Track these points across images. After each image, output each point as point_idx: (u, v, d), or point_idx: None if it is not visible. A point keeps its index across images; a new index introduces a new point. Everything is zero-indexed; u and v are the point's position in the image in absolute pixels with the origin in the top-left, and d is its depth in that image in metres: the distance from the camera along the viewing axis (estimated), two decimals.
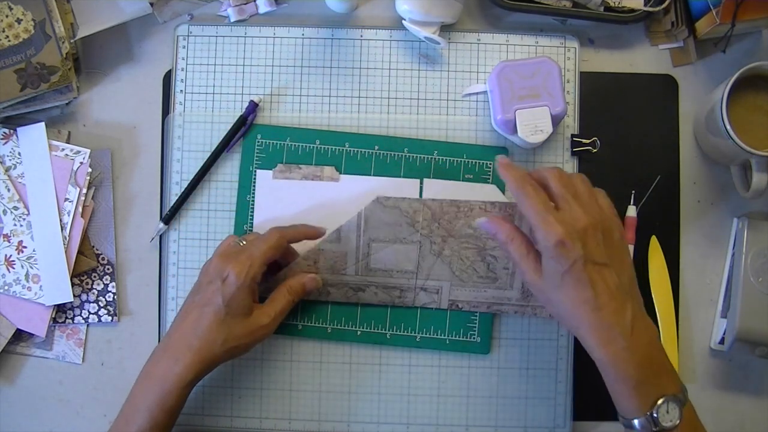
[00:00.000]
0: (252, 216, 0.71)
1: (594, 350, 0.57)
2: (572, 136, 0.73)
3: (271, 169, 0.71)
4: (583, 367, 0.71)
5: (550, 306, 0.59)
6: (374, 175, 0.71)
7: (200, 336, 0.61)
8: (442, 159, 0.72)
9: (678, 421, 0.55)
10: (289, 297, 0.65)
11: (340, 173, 0.71)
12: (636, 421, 0.55)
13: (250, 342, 0.63)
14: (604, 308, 0.56)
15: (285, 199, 0.71)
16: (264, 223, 0.71)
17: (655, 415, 0.55)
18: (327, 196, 0.71)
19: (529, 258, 0.59)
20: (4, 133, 0.72)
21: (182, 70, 0.73)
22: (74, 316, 0.72)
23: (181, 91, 0.73)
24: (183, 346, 0.61)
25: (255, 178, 0.71)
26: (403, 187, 0.71)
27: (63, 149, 0.72)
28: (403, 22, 0.71)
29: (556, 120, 0.67)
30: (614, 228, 0.59)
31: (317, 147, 0.72)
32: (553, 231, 0.55)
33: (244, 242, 0.65)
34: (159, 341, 0.72)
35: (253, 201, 0.72)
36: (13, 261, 0.71)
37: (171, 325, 0.63)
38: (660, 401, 0.55)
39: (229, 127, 0.72)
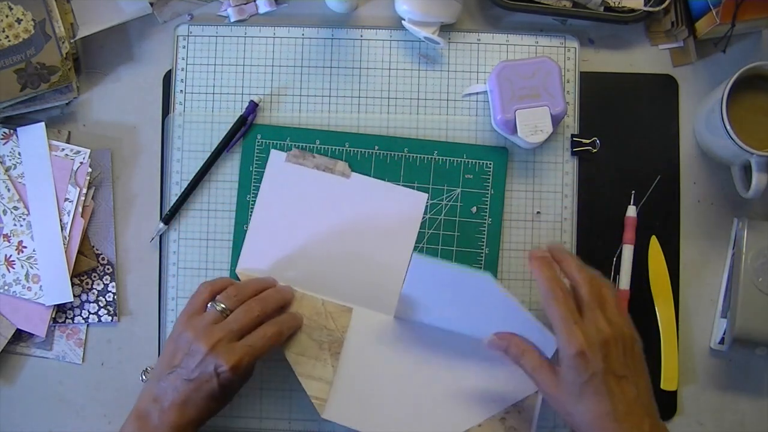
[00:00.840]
0: (251, 211, 0.71)
1: None
2: (572, 136, 0.73)
3: (285, 151, 0.71)
4: None
5: (568, 417, 0.58)
6: (376, 176, 0.71)
7: (185, 418, 0.59)
8: (442, 159, 0.72)
9: None
10: (276, 330, 0.64)
11: (353, 171, 0.71)
12: None
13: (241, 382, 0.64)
14: (624, 422, 0.55)
15: (293, 184, 0.71)
16: (266, 200, 0.71)
17: None
18: (334, 191, 0.71)
19: (542, 369, 0.59)
20: (4, 133, 0.72)
21: (182, 70, 0.73)
22: (74, 316, 0.72)
23: (181, 91, 0.73)
24: (162, 426, 0.59)
25: (268, 157, 0.71)
26: (409, 198, 0.71)
27: (63, 149, 0.72)
28: (403, 22, 0.71)
29: (556, 120, 0.67)
30: (635, 340, 0.59)
31: (317, 147, 0.72)
32: (576, 341, 0.56)
33: (222, 306, 0.63)
34: (159, 346, 0.72)
35: (254, 201, 0.72)
36: (13, 261, 0.71)
37: (154, 384, 0.61)
38: None
39: (229, 127, 0.72)
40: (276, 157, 0.71)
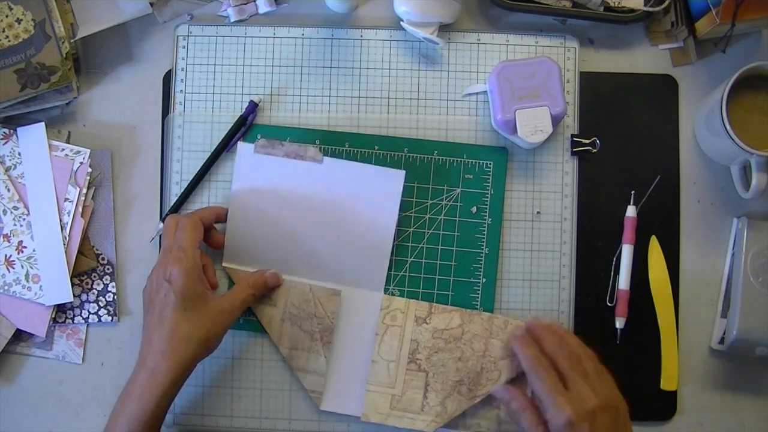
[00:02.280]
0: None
1: None
2: (572, 136, 0.73)
3: (253, 143, 0.70)
4: None
5: None
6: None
7: (168, 338, 0.60)
8: (442, 159, 0.72)
9: None
10: (249, 290, 0.66)
11: (324, 155, 0.70)
12: None
13: (218, 330, 0.63)
14: None
15: (265, 175, 0.70)
16: (240, 194, 0.70)
17: None
18: (308, 177, 0.69)
19: (538, 430, 0.61)
20: (4, 133, 0.72)
21: (182, 70, 0.73)
22: (74, 316, 0.72)
23: (181, 91, 0.73)
24: (155, 355, 0.60)
25: (235, 150, 0.70)
26: (385, 177, 0.69)
27: (63, 149, 0.72)
28: (402, 22, 0.70)
29: (556, 120, 0.67)
30: (620, 405, 0.62)
31: (317, 147, 0.72)
32: (563, 412, 0.59)
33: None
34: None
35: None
36: (13, 261, 0.71)
37: (141, 344, 0.63)
38: None
39: (229, 127, 0.72)
40: (244, 149, 0.70)
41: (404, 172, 0.69)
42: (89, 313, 0.72)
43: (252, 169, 0.70)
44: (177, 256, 0.62)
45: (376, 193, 0.69)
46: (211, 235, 0.69)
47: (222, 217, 0.69)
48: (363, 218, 0.69)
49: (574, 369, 0.62)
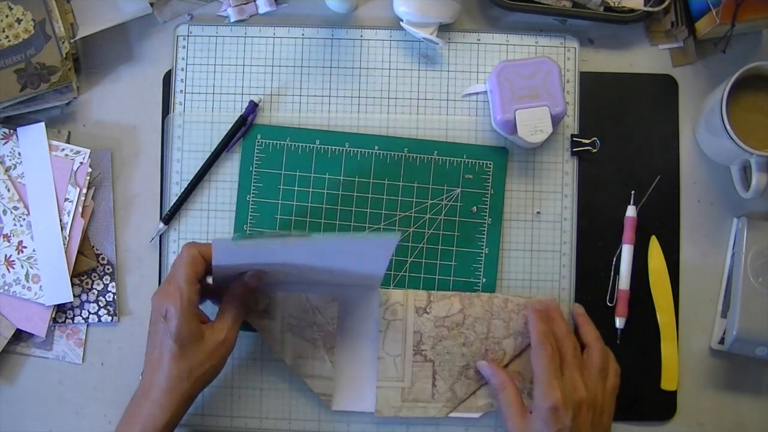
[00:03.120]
0: (251, 211, 0.71)
1: None
2: (572, 136, 0.73)
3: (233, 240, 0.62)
4: None
5: None
6: (375, 179, 0.71)
7: (167, 377, 0.60)
8: (442, 159, 0.72)
9: None
10: (235, 303, 0.64)
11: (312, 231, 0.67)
12: None
13: (216, 363, 0.62)
14: None
15: (247, 255, 0.62)
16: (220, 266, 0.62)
17: None
18: (296, 252, 0.62)
19: (515, 408, 0.63)
20: (4, 133, 0.72)
21: (182, 70, 0.73)
22: (74, 316, 0.72)
23: (181, 91, 0.73)
24: (157, 391, 0.60)
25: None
26: (377, 244, 0.62)
27: (63, 149, 0.72)
28: (401, 23, 0.70)
29: (556, 120, 0.67)
30: (606, 410, 0.64)
31: (317, 147, 0.72)
32: (553, 395, 0.60)
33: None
34: None
35: (254, 201, 0.72)
36: (13, 261, 0.71)
37: (144, 365, 0.62)
38: None
39: (229, 127, 0.72)
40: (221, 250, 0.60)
41: (399, 236, 0.64)
42: (89, 313, 0.72)
43: (229, 257, 0.62)
44: (173, 292, 0.60)
45: (368, 258, 0.64)
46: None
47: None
48: (352, 276, 0.67)
49: (575, 358, 0.63)
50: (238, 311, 0.64)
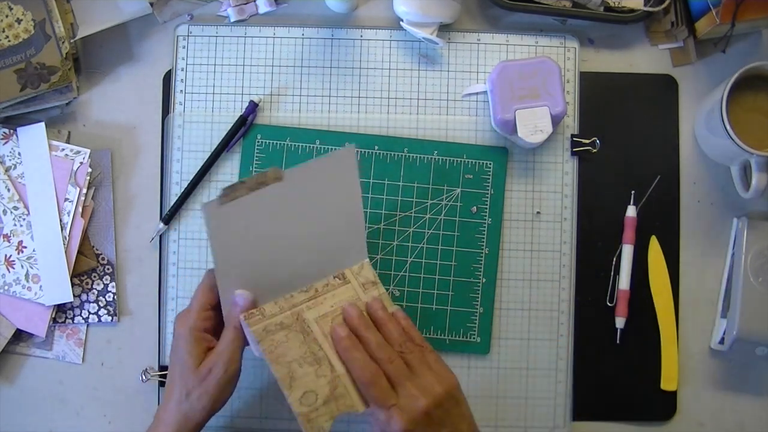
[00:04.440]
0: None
1: None
2: (572, 136, 0.73)
3: (216, 198, 0.57)
4: (583, 367, 0.71)
5: None
6: (375, 179, 0.71)
7: (167, 396, 0.60)
8: (442, 159, 0.72)
9: None
10: (230, 328, 0.60)
11: (283, 169, 0.60)
12: None
13: (210, 390, 0.59)
14: None
15: (242, 225, 0.59)
16: (228, 257, 0.60)
17: None
18: (279, 202, 0.60)
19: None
20: (4, 133, 0.72)
21: (182, 70, 0.73)
22: (74, 316, 0.72)
23: (181, 91, 0.73)
24: (160, 409, 0.61)
25: (204, 217, 0.57)
26: (337, 159, 0.61)
27: (63, 149, 0.72)
28: (401, 23, 0.70)
29: (556, 120, 0.67)
30: (451, 393, 0.58)
31: (317, 147, 0.72)
32: (397, 422, 0.56)
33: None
34: (159, 345, 0.72)
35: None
36: (13, 261, 0.71)
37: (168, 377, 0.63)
38: None
39: (229, 127, 0.72)
40: (212, 210, 0.57)
41: (354, 147, 0.62)
42: (89, 313, 0.72)
43: (228, 232, 0.59)
44: (184, 316, 0.61)
45: (334, 179, 0.62)
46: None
47: None
48: (328, 206, 0.63)
49: (398, 371, 0.58)
50: (232, 334, 0.60)
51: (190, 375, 0.59)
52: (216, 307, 0.62)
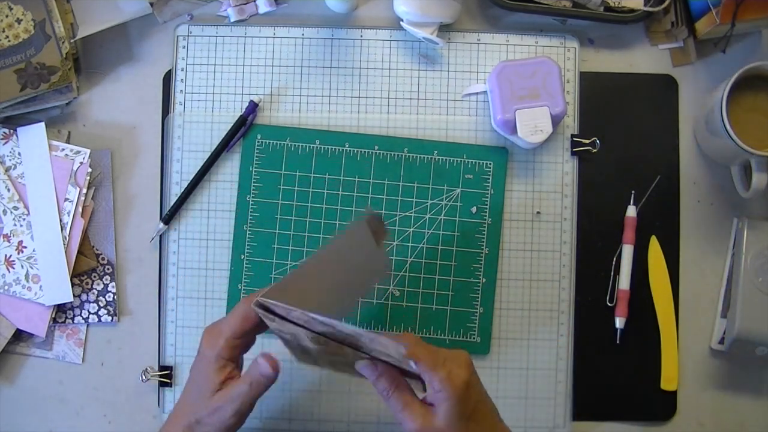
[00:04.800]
0: (251, 211, 0.71)
1: None
2: (572, 136, 0.73)
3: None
4: (583, 367, 0.71)
5: None
6: (375, 179, 0.71)
7: (175, 409, 0.60)
8: (442, 159, 0.72)
9: None
10: (246, 383, 0.58)
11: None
12: None
13: (219, 422, 0.58)
14: None
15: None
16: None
17: None
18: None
19: (414, 407, 0.57)
20: (4, 133, 0.72)
21: (182, 70, 0.73)
22: (74, 316, 0.72)
23: (181, 91, 0.73)
24: (168, 419, 0.61)
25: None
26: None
27: (63, 149, 0.72)
28: (401, 23, 0.70)
29: (556, 120, 0.67)
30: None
31: (317, 147, 0.72)
32: (459, 374, 0.55)
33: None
34: (159, 345, 0.72)
35: (254, 201, 0.72)
36: (13, 261, 0.71)
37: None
38: None
39: (229, 127, 0.72)
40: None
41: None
42: (89, 313, 0.72)
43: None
44: (214, 335, 0.59)
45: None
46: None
47: None
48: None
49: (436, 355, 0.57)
50: (246, 390, 0.58)
51: (204, 402, 0.59)
52: (245, 336, 0.59)
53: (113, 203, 0.73)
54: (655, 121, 0.73)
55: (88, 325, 0.72)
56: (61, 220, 0.71)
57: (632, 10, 0.72)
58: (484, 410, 0.57)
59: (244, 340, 0.60)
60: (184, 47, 0.73)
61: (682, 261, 0.72)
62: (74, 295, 0.71)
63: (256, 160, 0.72)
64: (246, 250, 0.71)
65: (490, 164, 0.72)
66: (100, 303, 0.72)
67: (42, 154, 0.72)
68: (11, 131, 0.72)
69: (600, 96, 0.73)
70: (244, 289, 0.71)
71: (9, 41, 0.68)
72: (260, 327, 0.59)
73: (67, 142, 0.73)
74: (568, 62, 0.73)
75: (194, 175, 0.72)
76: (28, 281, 0.70)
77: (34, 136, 0.72)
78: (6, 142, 0.72)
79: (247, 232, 0.71)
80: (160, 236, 0.72)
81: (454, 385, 0.55)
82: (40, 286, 0.70)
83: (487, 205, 0.72)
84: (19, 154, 0.72)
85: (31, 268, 0.71)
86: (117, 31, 0.73)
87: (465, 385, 0.55)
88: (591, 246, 0.72)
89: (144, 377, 0.71)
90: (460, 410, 0.56)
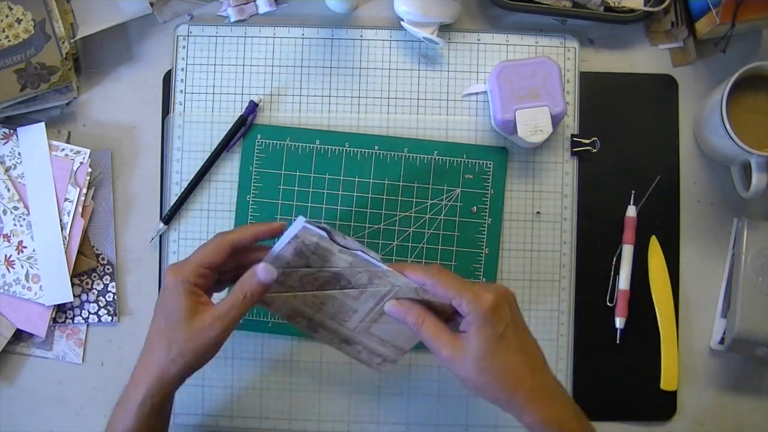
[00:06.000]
0: (251, 210, 0.71)
1: (536, 412, 0.56)
2: (572, 136, 0.73)
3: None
4: (583, 367, 0.71)
5: (476, 380, 0.56)
6: (375, 179, 0.71)
7: (149, 349, 0.58)
8: (442, 159, 0.72)
9: None
10: (239, 294, 0.58)
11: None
12: None
13: (200, 346, 0.57)
14: (538, 371, 0.57)
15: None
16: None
17: None
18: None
19: (444, 335, 0.57)
20: (4, 133, 0.72)
21: (182, 70, 0.73)
22: (74, 316, 0.72)
23: (181, 91, 0.73)
24: (140, 367, 0.59)
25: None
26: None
27: (63, 149, 0.72)
28: (402, 22, 0.71)
29: (556, 120, 0.67)
30: (515, 296, 0.59)
31: (317, 147, 0.72)
32: (486, 296, 0.56)
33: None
34: None
35: (254, 200, 0.72)
36: (13, 261, 0.71)
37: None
38: None
39: (229, 127, 0.72)
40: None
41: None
42: (89, 313, 0.72)
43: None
44: (178, 266, 0.59)
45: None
46: (249, 257, 0.61)
47: (268, 233, 0.61)
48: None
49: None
50: (239, 301, 0.58)
51: (180, 328, 0.57)
52: (212, 267, 0.59)
53: (113, 203, 0.73)
54: (655, 121, 0.73)
55: (88, 325, 0.72)
56: (61, 220, 0.71)
57: (632, 10, 0.72)
58: (513, 337, 0.56)
59: (212, 274, 0.59)
60: (184, 47, 0.73)
61: (682, 261, 0.72)
62: (74, 295, 0.71)
63: (256, 160, 0.72)
64: None
65: (490, 164, 0.72)
66: (100, 303, 0.72)
67: (42, 154, 0.72)
68: (11, 131, 0.72)
69: (600, 96, 0.73)
70: None
71: (9, 41, 0.68)
72: (227, 271, 0.60)
73: (67, 142, 0.73)
74: (568, 62, 0.73)
75: (194, 175, 0.72)
76: (28, 281, 0.70)
77: (34, 136, 0.72)
78: (6, 142, 0.72)
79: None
80: (160, 236, 0.72)
81: (482, 307, 0.55)
82: (40, 286, 0.70)
83: (487, 205, 0.72)
84: (19, 154, 0.72)
85: (31, 268, 0.71)
86: (117, 31, 0.73)
87: (493, 307, 0.55)
88: (591, 246, 0.72)
89: None
90: (488, 332, 0.56)
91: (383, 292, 0.60)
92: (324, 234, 0.57)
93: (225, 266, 0.60)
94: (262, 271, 0.58)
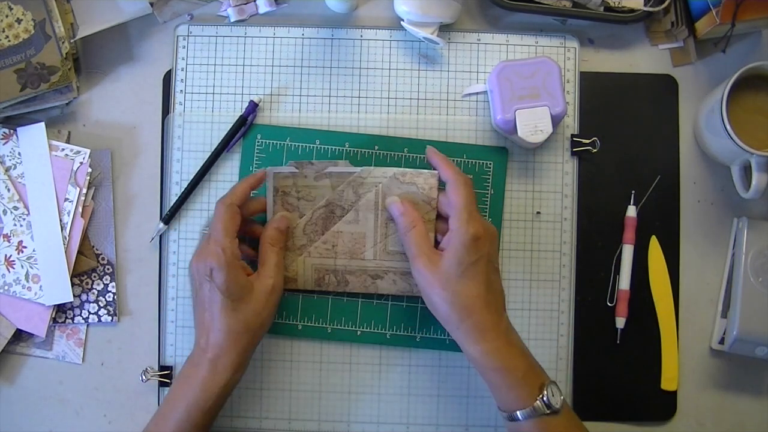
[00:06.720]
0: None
1: (479, 343, 0.60)
2: (572, 136, 0.73)
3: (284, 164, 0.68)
4: (583, 367, 0.71)
5: (435, 296, 0.60)
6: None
7: (224, 334, 0.61)
8: None
9: (562, 400, 0.59)
10: (272, 248, 0.65)
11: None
12: (522, 412, 0.59)
13: (271, 311, 0.64)
14: (492, 306, 0.60)
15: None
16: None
17: (545, 399, 0.58)
18: None
19: (427, 247, 0.62)
20: (4, 133, 0.72)
21: (182, 70, 0.73)
22: (74, 316, 0.72)
23: (181, 91, 0.73)
24: (215, 349, 0.61)
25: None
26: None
27: (63, 149, 0.72)
28: (402, 22, 0.71)
29: (556, 120, 0.67)
30: (497, 242, 0.64)
31: (317, 147, 0.72)
32: (477, 226, 0.60)
33: (206, 230, 0.66)
34: (159, 345, 0.72)
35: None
36: (13, 261, 0.71)
37: (196, 330, 0.63)
38: (545, 386, 0.59)
39: (229, 127, 0.72)
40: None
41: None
42: (89, 313, 0.72)
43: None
44: (215, 250, 0.61)
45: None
46: (249, 207, 0.67)
47: (255, 184, 0.66)
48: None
49: (473, 199, 0.63)
50: (277, 256, 0.65)
51: (249, 303, 0.62)
52: (235, 236, 0.63)
53: (113, 203, 0.73)
54: (655, 121, 0.73)
55: (88, 325, 0.72)
56: (61, 220, 0.71)
57: (632, 10, 0.72)
58: (483, 270, 0.60)
59: (237, 240, 0.63)
60: (184, 47, 0.73)
61: (682, 261, 0.72)
62: (74, 295, 0.71)
63: (256, 160, 0.72)
64: None
65: (490, 164, 0.72)
66: (100, 303, 0.72)
67: (42, 154, 0.72)
68: (11, 131, 0.72)
69: (600, 96, 0.73)
70: None
71: (9, 41, 0.68)
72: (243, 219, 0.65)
73: (67, 142, 0.73)
74: (568, 62, 0.73)
75: (194, 175, 0.72)
76: (28, 281, 0.70)
77: (34, 136, 0.72)
78: (6, 142, 0.72)
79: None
80: (160, 236, 0.72)
81: (468, 232, 0.60)
82: (40, 286, 0.70)
83: (487, 205, 0.72)
84: (19, 154, 0.72)
85: (31, 268, 0.71)
86: (117, 31, 0.73)
87: (476, 237, 0.60)
88: (591, 246, 0.72)
89: (144, 377, 0.71)
90: (462, 256, 0.60)
91: (372, 199, 0.66)
92: (294, 169, 0.66)
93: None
94: (279, 221, 0.66)
